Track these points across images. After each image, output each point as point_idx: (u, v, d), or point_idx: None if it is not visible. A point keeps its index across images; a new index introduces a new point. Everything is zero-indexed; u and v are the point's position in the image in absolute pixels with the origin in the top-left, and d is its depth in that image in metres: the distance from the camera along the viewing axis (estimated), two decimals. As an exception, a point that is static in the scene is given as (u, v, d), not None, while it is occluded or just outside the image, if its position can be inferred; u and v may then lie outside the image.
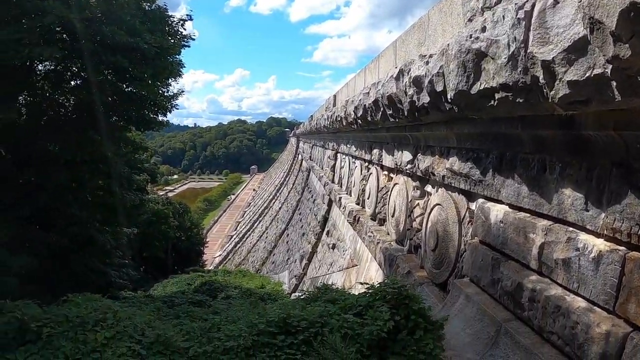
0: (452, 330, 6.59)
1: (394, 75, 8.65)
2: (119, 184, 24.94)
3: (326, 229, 22.03)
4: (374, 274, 12.35)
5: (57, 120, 22.53)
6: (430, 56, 7.23)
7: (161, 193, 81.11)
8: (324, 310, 6.92)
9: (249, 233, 78.25)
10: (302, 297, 8.58)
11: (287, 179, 75.79)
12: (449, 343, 6.38)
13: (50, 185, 21.21)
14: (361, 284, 8.14)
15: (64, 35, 21.07)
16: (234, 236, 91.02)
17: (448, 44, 6.21)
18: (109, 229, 28.13)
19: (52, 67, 23.60)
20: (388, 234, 12.19)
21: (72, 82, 23.74)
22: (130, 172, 26.61)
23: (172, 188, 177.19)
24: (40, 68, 23.67)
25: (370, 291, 6.96)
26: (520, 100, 4.79)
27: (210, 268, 49.01)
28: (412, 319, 6.25)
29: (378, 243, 11.95)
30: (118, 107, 23.05)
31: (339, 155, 21.72)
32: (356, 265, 14.82)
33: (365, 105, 11.50)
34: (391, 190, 12.11)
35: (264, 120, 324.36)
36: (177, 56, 24.33)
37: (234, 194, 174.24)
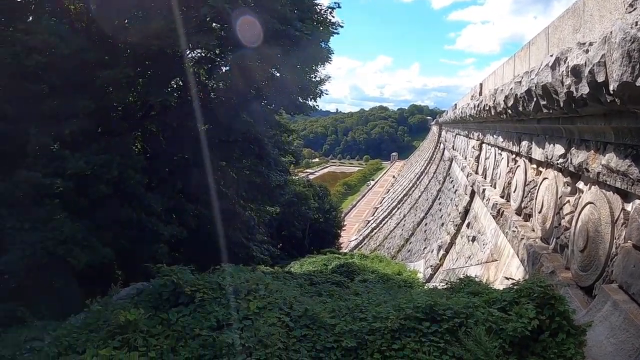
0: (594, 337, 6.23)
1: (550, 64, 8.21)
2: (267, 164, 25.96)
3: (467, 221, 21.53)
4: (514, 270, 11.92)
5: (208, 103, 23.81)
6: (590, 44, 6.78)
7: (302, 175, 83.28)
8: (468, 301, 6.84)
9: (386, 219, 78.37)
10: (444, 286, 8.48)
11: (428, 167, 74.85)
12: (590, 350, 6.05)
13: (201, 163, 22.51)
14: (506, 278, 7.92)
15: (216, 25, 22.22)
16: (371, 221, 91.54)
17: (611, 32, 5.79)
18: (254, 206, 29.46)
19: (204, 55, 24.99)
20: (533, 230, 11.67)
21: (224, 69, 25.00)
22: (278, 153, 27.56)
23: (313, 171, 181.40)
24: (192, 55, 25.17)
25: (515, 287, 6.76)
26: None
27: (345, 251, 49.69)
28: (556, 320, 6.00)
29: (522, 239, 11.48)
30: (269, 91, 23.94)
31: (484, 145, 21.07)
32: (496, 261, 14.37)
33: (516, 94, 11.03)
34: (539, 185, 11.57)
35: (406, 108, 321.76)
36: (326, 43, 24.84)
37: (373, 180, 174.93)
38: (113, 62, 20.11)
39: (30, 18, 21.06)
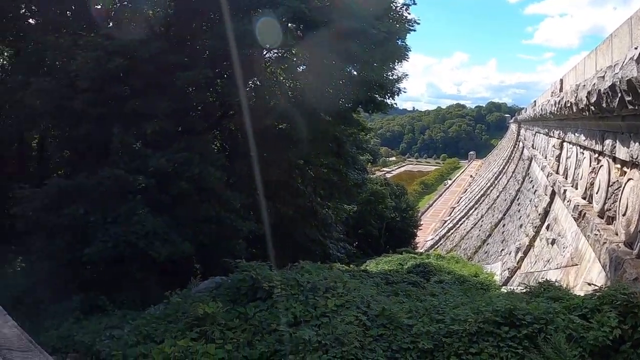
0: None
1: (635, 57, 7.85)
2: (345, 163, 26.06)
3: (546, 223, 20.86)
4: (595, 276, 11.45)
5: (285, 102, 24.10)
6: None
7: (379, 174, 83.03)
8: (548, 307, 6.67)
9: (463, 219, 77.06)
10: (523, 290, 8.29)
11: (506, 167, 73.07)
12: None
13: (280, 161, 22.85)
14: (588, 284, 7.66)
15: (292, 25, 22.43)
16: (448, 221, 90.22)
17: None
18: (331, 204, 29.64)
19: (280, 54, 25.30)
20: (616, 234, 11.17)
21: (299, 68, 25.23)
22: (356, 152, 27.61)
23: (390, 169, 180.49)
24: (269, 55, 25.54)
25: (597, 294, 6.53)
26: None
27: (420, 251, 49.20)
28: (638, 330, 5.74)
29: (604, 243, 11.01)
30: (346, 89, 23.99)
31: (565, 144, 20.36)
32: (576, 265, 13.86)
33: (599, 90, 10.60)
34: (623, 186, 11.05)
35: (483, 105, 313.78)
36: (403, 40, 24.65)
37: (450, 179, 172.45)
38: (192, 63, 20.70)
39: (110, 24, 22.02)
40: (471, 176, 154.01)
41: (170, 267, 19.15)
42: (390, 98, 25.28)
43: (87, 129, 19.87)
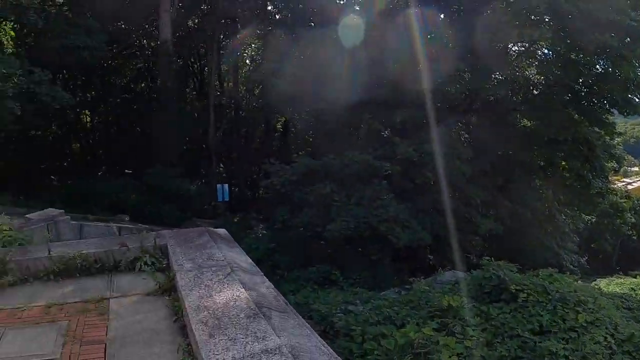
0: None
1: None
2: (590, 168, 24.20)
3: None
4: None
5: (533, 96, 23.07)
6: None
7: (619, 184, 76.06)
8: None
9: None
10: None
11: None
12: None
13: (522, 161, 22.02)
14: None
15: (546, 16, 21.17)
16: None
17: None
18: (569, 211, 27.80)
19: (524, 48, 24.15)
20: None
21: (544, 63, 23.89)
22: (605, 157, 25.49)
23: (631, 180, 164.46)
24: (515, 49, 24.52)
25: None
26: None
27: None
28: None
29: None
30: (596, 88, 22.28)
31: None
32: None
33: None
34: None
35: None
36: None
37: None
38: (442, 56, 20.65)
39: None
40: None
41: (404, 253, 19.41)
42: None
43: (338, 114, 20.83)
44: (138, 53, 37.16)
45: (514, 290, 10.40)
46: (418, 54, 20.64)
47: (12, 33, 25.75)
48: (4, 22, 24.07)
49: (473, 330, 9.41)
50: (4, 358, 4.39)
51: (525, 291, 10.38)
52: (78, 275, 6.34)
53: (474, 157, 21.01)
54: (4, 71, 18.71)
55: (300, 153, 31.64)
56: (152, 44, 35.62)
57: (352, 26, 22.41)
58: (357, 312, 12.02)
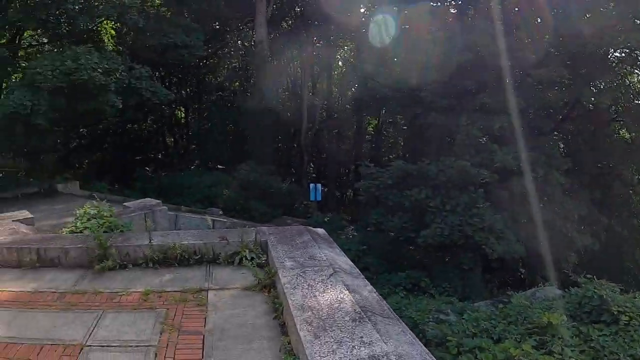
0: None
1: None
2: None
3: None
4: None
5: (635, 105, 22.27)
6: None
7: None
8: None
9: None
10: None
11: None
12: None
13: (620, 174, 21.23)
14: None
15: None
16: None
17: None
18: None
19: (624, 53, 23.13)
20: None
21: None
22: None
23: None
24: (616, 55, 23.49)
25: None
26: None
27: None
28: None
29: None
30: None
31: None
32: None
33: None
34: None
35: None
36: None
37: None
38: (545, 61, 20.09)
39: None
40: None
41: (496, 264, 19.07)
42: None
43: (435, 119, 20.67)
44: (232, 52, 38.21)
45: (615, 312, 10.04)
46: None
47: (113, 32, 27.06)
48: (105, 22, 25.27)
49: (572, 351, 9.19)
50: (102, 342, 4.62)
51: (628, 313, 10.02)
52: (176, 265, 6.64)
53: (571, 168, 20.42)
54: (107, 66, 19.62)
55: (391, 156, 31.64)
56: (247, 44, 36.58)
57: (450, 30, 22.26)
58: (451, 322, 11.91)
